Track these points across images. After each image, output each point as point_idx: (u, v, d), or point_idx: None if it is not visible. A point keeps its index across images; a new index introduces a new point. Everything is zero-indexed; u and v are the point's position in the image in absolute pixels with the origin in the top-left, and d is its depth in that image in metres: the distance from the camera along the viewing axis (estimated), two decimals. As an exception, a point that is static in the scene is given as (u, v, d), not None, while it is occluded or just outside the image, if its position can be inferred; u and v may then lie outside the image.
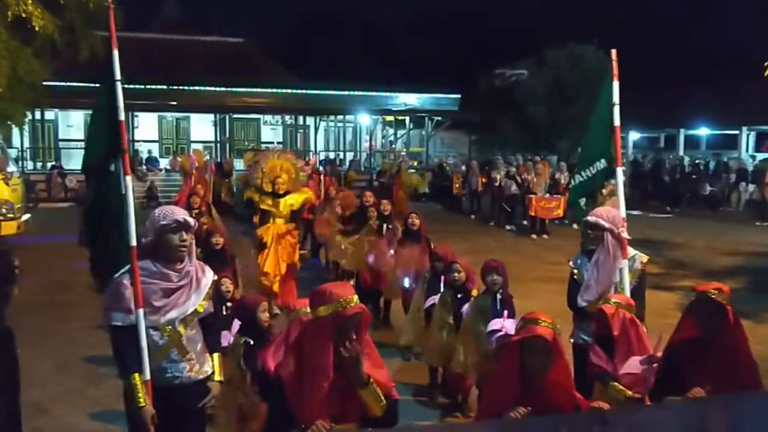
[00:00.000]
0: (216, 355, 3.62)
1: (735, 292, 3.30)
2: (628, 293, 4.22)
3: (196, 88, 25.67)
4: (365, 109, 28.05)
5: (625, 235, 4.31)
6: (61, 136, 26.84)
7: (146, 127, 27.61)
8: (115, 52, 3.60)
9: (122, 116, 3.63)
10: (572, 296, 4.51)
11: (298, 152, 21.59)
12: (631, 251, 4.45)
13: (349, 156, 30.35)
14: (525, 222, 16.85)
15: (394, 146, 32.30)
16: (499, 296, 5.03)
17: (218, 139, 27.92)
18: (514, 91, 30.96)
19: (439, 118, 29.68)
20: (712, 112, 30.18)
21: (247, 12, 59.61)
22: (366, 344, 2.78)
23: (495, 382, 3.22)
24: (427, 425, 5.02)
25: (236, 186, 17.64)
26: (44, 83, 15.96)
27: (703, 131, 33.37)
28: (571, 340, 4.55)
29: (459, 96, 29.72)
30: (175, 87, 24.86)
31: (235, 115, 28.42)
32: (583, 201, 4.90)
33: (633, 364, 3.50)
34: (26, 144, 25.33)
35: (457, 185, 21.15)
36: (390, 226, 8.06)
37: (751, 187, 21.41)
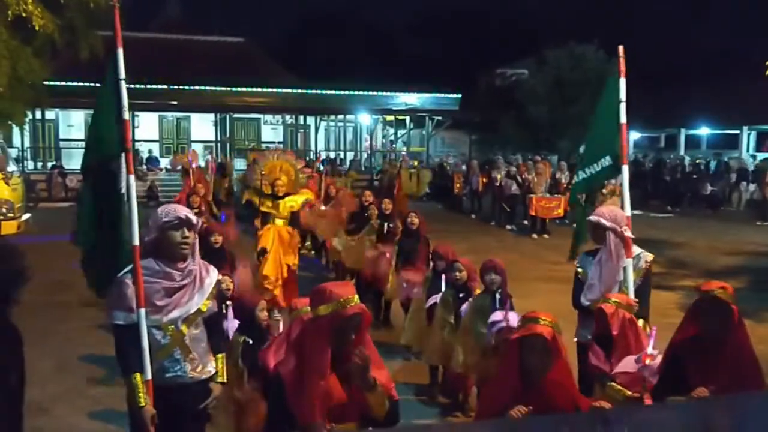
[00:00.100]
0: (220, 356, 3.61)
1: (736, 292, 3.28)
2: (632, 292, 4.20)
3: (197, 87, 25.66)
4: (366, 109, 28.04)
5: (628, 233, 4.28)
6: (61, 136, 26.84)
7: (147, 126, 27.60)
8: (120, 51, 3.59)
9: (126, 115, 3.62)
10: (576, 295, 4.49)
11: (298, 152, 21.61)
12: (636, 250, 4.42)
13: (350, 156, 30.34)
14: (525, 221, 16.85)
15: (394, 146, 32.29)
16: (498, 296, 5.02)
17: (219, 138, 27.92)
18: (515, 90, 30.95)
19: (440, 117, 29.66)
20: (712, 111, 30.18)
21: (247, 12, 59.62)
22: (366, 344, 2.77)
23: (495, 380, 3.21)
24: (427, 424, 5.02)
25: (237, 186, 17.65)
26: (44, 83, 15.96)
27: (704, 131, 33.35)
28: (575, 339, 4.54)
29: (459, 96, 29.71)
30: (176, 87, 24.85)
31: (236, 115, 28.42)
32: (582, 198, 4.87)
33: (628, 364, 3.48)
34: (27, 143, 25.33)
35: (457, 185, 21.14)
36: (391, 225, 8.05)
37: (752, 187, 21.41)
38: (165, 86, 24.43)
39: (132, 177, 3.62)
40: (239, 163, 23.49)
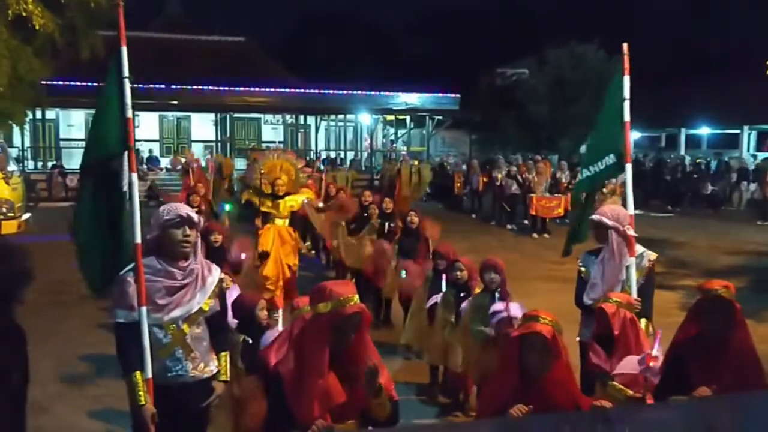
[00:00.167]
0: (224, 354, 3.60)
1: (737, 292, 3.27)
2: (635, 291, 4.18)
3: (197, 87, 25.67)
4: (366, 109, 28.03)
5: (631, 232, 4.27)
6: (61, 136, 26.86)
7: (147, 126, 27.60)
8: (124, 50, 3.59)
9: (130, 113, 3.62)
10: (579, 294, 4.49)
11: (298, 152, 21.60)
12: (639, 249, 4.41)
13: (350, 155, 30.34)
14: (526, 221, 16.84)
15: (395, 145, 32.29)
16: (497, 294, 5.02)
17: (219, 138, 27.92)
18: (515, 90, 30.95)
19: (440, 117, 29.66)
20: (713, 111, 30.17)
21: (248, 11, 59.60)
22: (366, 344, 2.76)
23: (495, 378, 3.20)
24: (427, 424, 5.01)
25: (237, 185, 17.64)
26: (45, 83, 15.96)
27: (704, 130, 33.33)
28: (578, 339, 4.53)
29: (460, 95, 29.69)
30: (176, 86, 24.86)
31: (236, 115, 28.43)
32: (583, 197, 4.86)
33: (628, 364, 3.47)
34: (27, 143, 25.35)
35: (458, 184, 21.14)
36: (392, 225, 8.05)
37: (753, 187, 21.41)
38: (165, 86, 24.44)
39: (135, 175, 3.62)
40: (239, 163, 23.48)
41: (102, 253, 3.63)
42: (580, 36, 29.08)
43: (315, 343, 2.68)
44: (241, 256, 7.03)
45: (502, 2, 51.24)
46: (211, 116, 27.89)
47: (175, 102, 25.71)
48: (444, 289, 5.72)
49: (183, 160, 14.22)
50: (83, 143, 26.70)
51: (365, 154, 30.17)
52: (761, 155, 28.32)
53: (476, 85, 34.13)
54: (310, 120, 29.63)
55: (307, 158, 22.14)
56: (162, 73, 23.54)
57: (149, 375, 3.32)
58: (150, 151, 26.80)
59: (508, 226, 16.97)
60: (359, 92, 28.11)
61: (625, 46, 4.38)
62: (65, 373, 6.34)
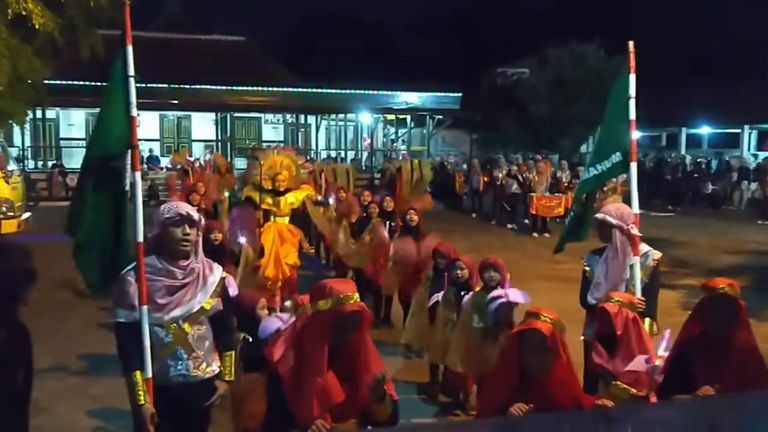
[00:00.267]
0: (228, 354, 3.57)
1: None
2: (639, 291, 4.17)
3: (198, 86, 25.67)
4: (366, 108, 28.01)
5: (635, 231, 4.25)
6: (62, 135, 26.86)
7: (147, 125, 27.55)
8: (130, 48, 3.59)
9: (134, 112, 3.61)
10: (584, 294, 4.47)
11: (299, 151, 21.57)
12: (644, 247, 4.39)
13: (351, 155, 30.33)
14: (526, 220, 16.84)
15: (395, 145, 32.27)
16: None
17: (219, 137, 27.91)
18: (516, 89, 30.94)
19: (441, 116, 29.63)
20: (713, 110, 30.15)
21: (248, 11, 59.59)
22: (366, 343, 2.75)
23: (494, 376, 3.19)
24: (427, 423, 5.01)
25: (237, 184, 17.61)
26: (45, 82, 15.94)
27: (705, 130, 33.30)
28: (582, 338, 4.51)
29: (460, 94, 29.67)
30: (177, 85, 24.85)
31: (236, 114, 28.42)
32: (584, 196, 4.83)
33: (638, 363, 3.45)
34: (27, 143, 25.35)
35: (459, 184, 21.13)
36: (393, 224, 8.04)
37: (753, 186, 21.39)
38: (166, 85, 24.43)
39: (138, 174, 3.62)
40: (239, 162, 23.46)
41: (102, 252, 3.62)
42: (580, 36, 29.09)
43: (315, 340, 2.66)
44: (240, 239, 7.00)
45: (503, 2, 51.21)
46: (212, 116, 27.87)
47: (176, 101, 25.71)
48: (445, 287, 5.71)
49: (179, 166, 14.27)
50: (84, 143, 26.83)
51: (365, 154, 30.15)
52: (762, 154, 28.29)
53: (477, 85, 34.15)
54: (311, 119, 29.61)
55: (308, 157, 22.12)
56: (162, 73, 23.54)
57: (149, 375, 3.31)
58: (150, 150, 26.78)
59: (509, 226, 16.97)
60: (359, 91, 28.09)
61: (631, 44, 4.36)
62: (65, 372, 6.34)
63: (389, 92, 28.91)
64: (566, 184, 16.36)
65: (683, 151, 31.34)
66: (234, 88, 26.36)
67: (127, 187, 3.59)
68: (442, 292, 5.71)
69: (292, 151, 9.02)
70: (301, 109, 27.97)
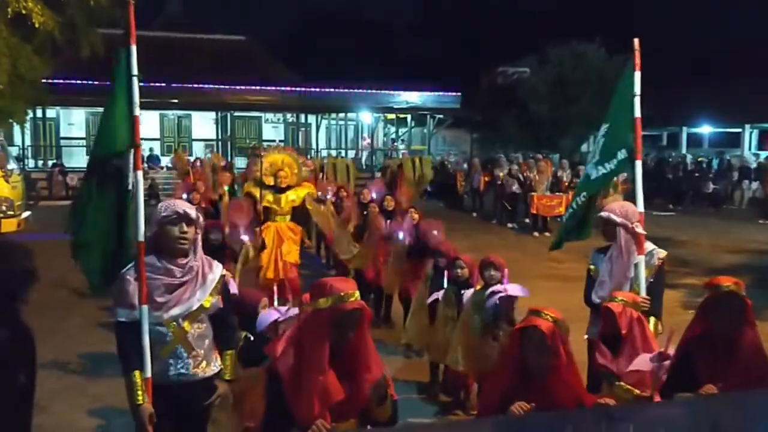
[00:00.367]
0: (229, 352, 3.55)
1: (740, 291, 3.24)
2: (643, 290, 4.14)
3: (198, 85, 25.66)
4: (367, 107, 28.00)
5: (640, 230, 4.22)
6: (62, 134, 26.86)
7: (148, 124, 27.53)
8: (133, 48, 3.58)
9: (138, 111, 3.60)
10: (588, 293, 4.45)
11: (299, 150, 21.56)
12: (649, 246, 4.36)
13: (351, 154, 30.32)
14: (527, 220, 16.83)
15: (395, 144, 32.26)
16: (497, 291, 4.99)
17: (219, 137, 27.90)
18: (517, 89, 30.93)
19: (441, 116, 29.63)
20: (714, 110, 30.14)
21: (248, 10, 59.59)
22: (366, 342, 2.74)
23: (495, 374, 3.18)
24: (428, 423, 4.99)
25: (237, 184, 17.61)
26: (45, 81, 15.93)
27: (706, 129, 33.29)
28: (586, 337, 4.50)
29: (461, 94, 29.67)
30: (177, 85, 24.85)
31: (237, 113, 28.41)
32: (585, 195, 4.80)
33: (642, 362, 3.43)
34: (27, 142, 25.35)
35: (459, 183, 21.13)
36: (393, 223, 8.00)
37: (754, 185, 21.39)
38: (166, 84, 24.45)
39: (140, 173, 3.61)
40: (240, 162, 23.46)
41: (104, 251, 3.61)
42: (581, 35, 29.09)
43: (315, 338, 2.65)
44: (243, 237, 6.97)
45: (503, 1, 51.22)
46: (212, 115, 27.87)
47: (176, 100, 25.69)
48: (445, 286, 5.70)
49: (186, 159, 14.30)
50: (84, 142, 26.85)
51: (365, 153, 30.13)
52: (763, 154, 28.31)
53: (477, 84, 34.13)
54: (311, 119, 29.60)
55: (308, 157, 22.13)
56: (163, 72, 23.53)
57: (148, 374, 3.30)
58: (151, 149, 26.77)
59: (509, 225, 16.96)
60: (360, 91, 28.06)
61: (636, 41, 4.33)
62: (65, 371, 6.33)
63: (389, 91, 28.89)
64: (567, 184, 16.34)
65: (684, 151, 31.33)
66: (234, 87, 26.36)
67: (131, 186, 3.59)
68: (442, 291, 5.70)
69: (293, 151, 9.03)
70: (301, 108, 27.96)
